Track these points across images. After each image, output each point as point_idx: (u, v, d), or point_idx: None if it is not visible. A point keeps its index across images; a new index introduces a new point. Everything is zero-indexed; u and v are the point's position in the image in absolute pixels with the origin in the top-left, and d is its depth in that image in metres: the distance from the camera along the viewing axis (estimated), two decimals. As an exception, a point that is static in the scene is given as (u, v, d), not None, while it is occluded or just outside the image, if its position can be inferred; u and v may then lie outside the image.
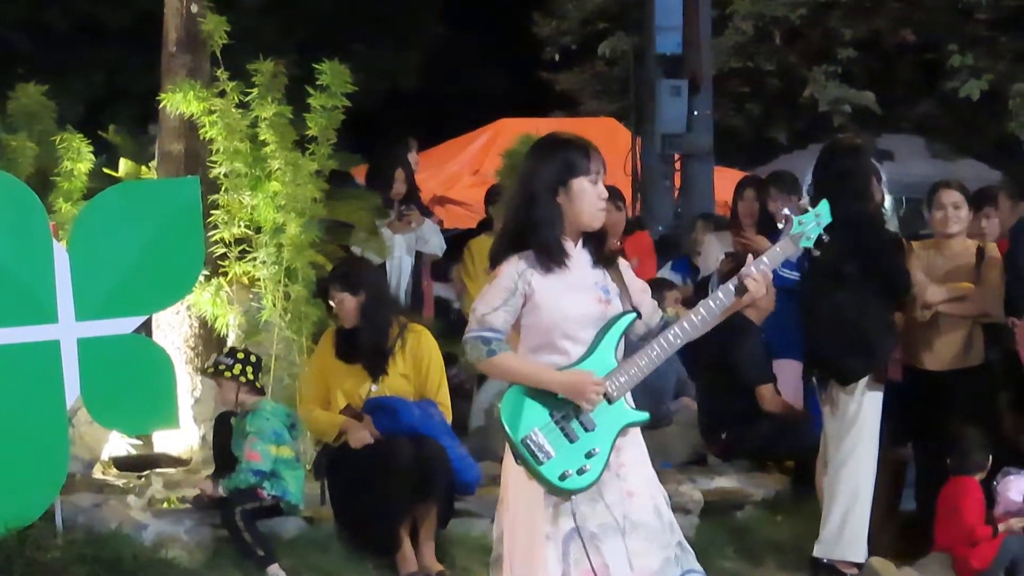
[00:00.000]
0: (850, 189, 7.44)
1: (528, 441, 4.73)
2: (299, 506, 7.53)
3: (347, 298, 7.60)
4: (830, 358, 7.63)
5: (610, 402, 4.78)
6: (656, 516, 4.83)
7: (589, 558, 4.71)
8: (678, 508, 8.04)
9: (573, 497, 4.73)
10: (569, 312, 4.79)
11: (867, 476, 7.61)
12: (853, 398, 7.60)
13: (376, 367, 7.57)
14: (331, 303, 7.72)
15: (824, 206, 5.01)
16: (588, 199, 4.81)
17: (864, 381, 7.59)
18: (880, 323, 7.62)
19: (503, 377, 4.93)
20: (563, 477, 4.72)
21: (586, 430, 4.76)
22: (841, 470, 7.61)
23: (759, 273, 4.86)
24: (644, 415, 4.88)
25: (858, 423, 7.60)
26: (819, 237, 5.00)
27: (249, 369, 7.63)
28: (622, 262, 4.99)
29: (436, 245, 10.78)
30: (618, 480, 4.80)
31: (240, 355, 7.72)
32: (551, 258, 4.79)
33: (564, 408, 4.75)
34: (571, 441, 4.74)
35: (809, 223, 4.98)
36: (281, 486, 7.40)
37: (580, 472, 4.73)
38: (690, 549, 4.90)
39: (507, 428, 4.75)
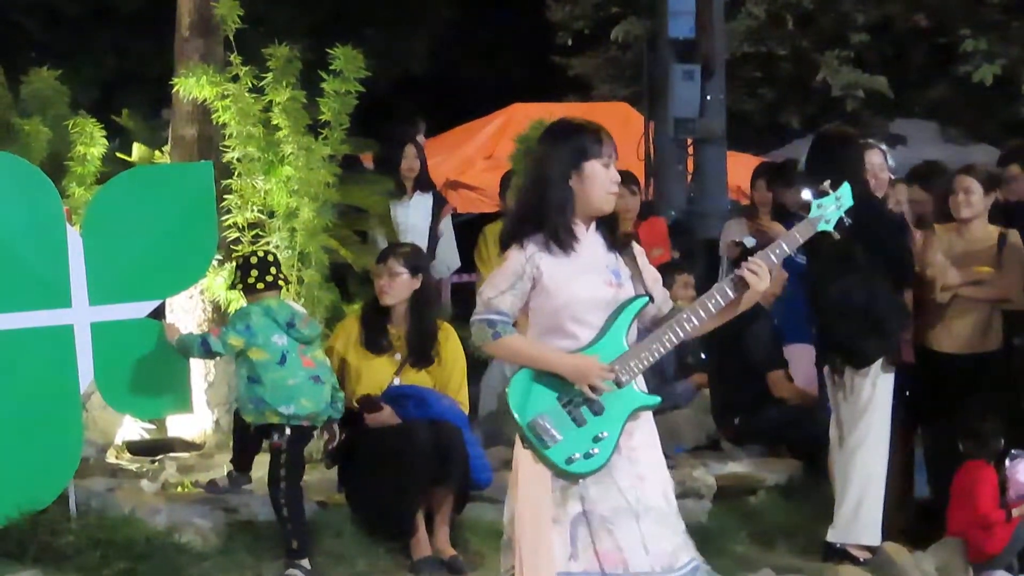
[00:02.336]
0: (844, 176, 7.39)
1: (535, 425, 4.73)
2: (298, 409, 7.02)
3: (406, 276, 7.50)
4: (842, 342, 7.63)
5: (620, 386, 4.76)
6: (665, 501, 4.84)
7: (596, 543, 4.70)
8: (691, 493, 8.12)
9: (582, 481, 4.73)
10: (578, 295, 4.78)
11: (881, 460, 7.62)
12: (866, 382, 7.60)
13: (421, 357, 7.51)
14: (378, 276, 7.56)
15: (845, 188, 5.01)
16: (600, 182, 4.81)
17: (877, 364, 7.59)
18: (889, 304, 7.62)
19: (510, 359, 4.95)
20: (570, 461, 4.71)
21: (595, 414, 4.75)
22: (855, 454, 7.61)
23: (762, 263, 4.83)
24: (655, 399, 4.87)
25: (871, 407, 7.60)
26: (840, 220, 4.98)
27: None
28: (636, 247, 4.98)
29: (450, 260, 10.45)
30: (630, 464, 4.79)
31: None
32: (560, 241, 4.80)
33: (572, 392, 4.74)
34: (579, 425, 4.73)
35: (829, 206, 4.98)
36: (261, 393, 6.99)
37: (587, 456, 4.72)
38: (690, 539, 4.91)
39: (514, 412, 4.75)
